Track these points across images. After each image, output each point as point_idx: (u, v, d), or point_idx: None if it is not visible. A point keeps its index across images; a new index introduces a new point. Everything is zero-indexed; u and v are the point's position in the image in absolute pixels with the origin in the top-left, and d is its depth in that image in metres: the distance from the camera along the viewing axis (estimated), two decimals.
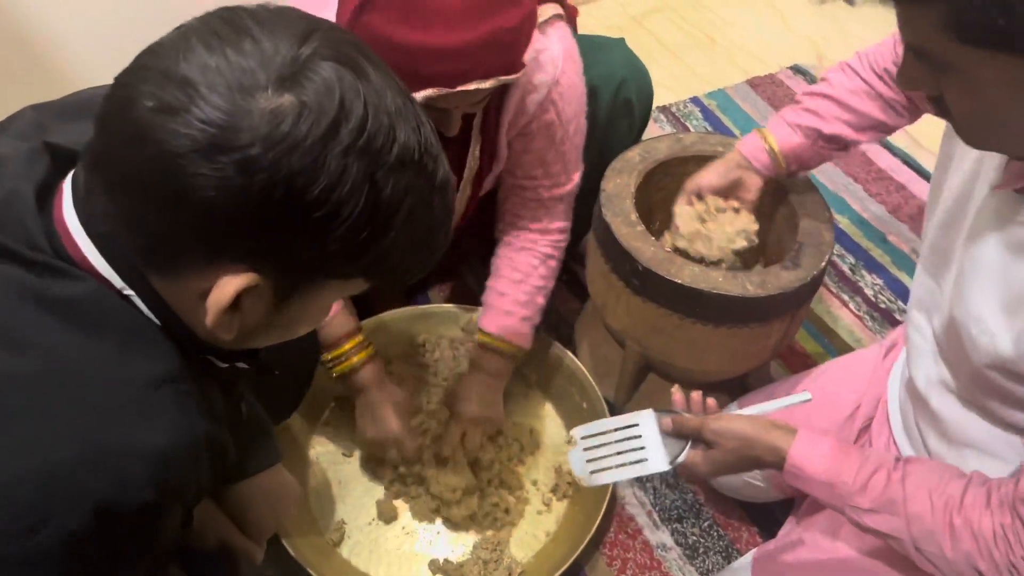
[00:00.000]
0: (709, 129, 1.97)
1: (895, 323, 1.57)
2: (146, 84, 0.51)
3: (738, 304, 1.07)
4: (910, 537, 0.80)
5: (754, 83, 2.11)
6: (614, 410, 1.37)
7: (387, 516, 1.24)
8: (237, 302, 0.56)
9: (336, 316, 1.17)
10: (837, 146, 1.13)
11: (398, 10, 0.85)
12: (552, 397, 1.39)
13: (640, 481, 1.31)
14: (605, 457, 0.99)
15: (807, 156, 1.14)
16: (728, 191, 1.17)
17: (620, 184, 1.20)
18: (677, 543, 1.25)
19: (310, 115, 0.50)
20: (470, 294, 1.54)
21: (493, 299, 1.23)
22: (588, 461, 1.00)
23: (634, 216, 1.15)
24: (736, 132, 1.96)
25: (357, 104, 0.52)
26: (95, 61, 1.62)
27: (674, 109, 2.01)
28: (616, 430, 1.00)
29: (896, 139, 1.94)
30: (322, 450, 1.32)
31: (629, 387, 1.33)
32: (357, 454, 1.31)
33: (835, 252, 1.68)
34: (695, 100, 2.04)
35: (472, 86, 0.89)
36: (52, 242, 0.55)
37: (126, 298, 0.57)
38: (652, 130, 1.95)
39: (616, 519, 1.27)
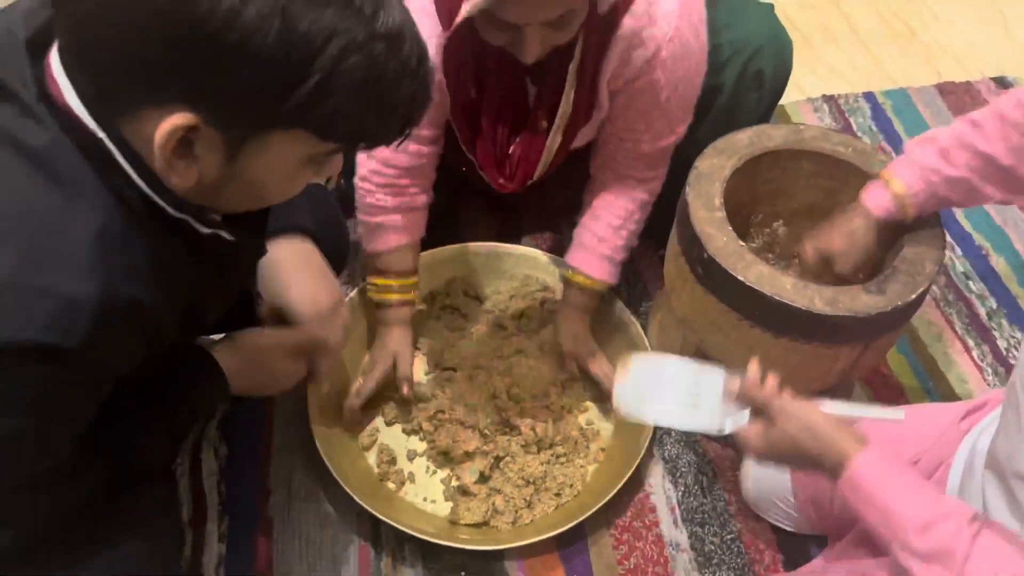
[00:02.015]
0: (874, 130, 1.79)
1: None
2: None
3: (801, 317, 0.98)
4: None
5: (945, 88, 1.89)
6: None
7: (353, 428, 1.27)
8: (189, 148, 0.59)
9: (399, 250, 1.21)
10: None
11: None
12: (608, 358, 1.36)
13: (672, 474, 1.26)
14: (658, 395, 0.90)
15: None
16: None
17: (715, 165, 1.12)
18: (692, 547, 1.19)
19: None
20: (560, 245, 1.52)
21: (591, 242, 1.23)
22: (637, 394, 0.90)
23: (718, 201, 1.07)
24: (905, 139, 1.77)
25: None
26: None
27: (841, 101, 1.85)
28: (680, 373, 0.91)
29: None
30: None
31: None
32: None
33: (975, 292, 1.51)
34: (868, 96, 1.86)
35: None
36: (39, 82, 0.60)
37: (98, 141, 0.60)
38: (810, 119, 1.81)
39: (635, 505, 1.22)
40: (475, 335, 1.37)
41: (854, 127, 1.80)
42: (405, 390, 1.25)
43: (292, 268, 0.95)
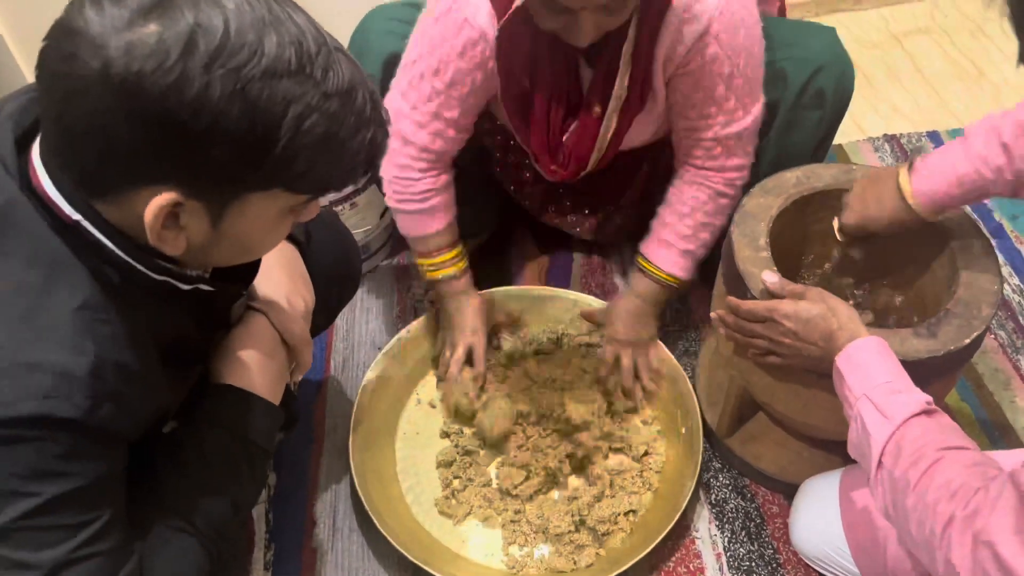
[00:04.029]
0: None
1: None
2: (52, 39, 0.59)
3: None
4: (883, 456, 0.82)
5: None
6: (713, 440, 1.29)
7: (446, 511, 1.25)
8: (175, 220, 0.63)
9: (450, 225, 1.24)
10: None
11: None
12: (657, 412, 1.34)
13: (719, 519, 1.23)
14: None
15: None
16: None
17: (762, 204, 1.11)
18: None
19: (167, 39, 0.56)
20: (613, 288, 1.52)
21: (656, 227, 1.24)
22: None
23: (763, 240, 1.06)
24: None
25: (215, 21, 0.57)
26: None
27: (904, 140, 1.81)
28: None
29: None
30: (424, 398, 1.38)
31: (731, 419, 1.24)
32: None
33: None
34: (932, 135, 1.82)
35: None
36: (23, 174, 0.66)
37: (75, 223, 0.65)
38: (870, 158, 1.78)
39: (681, 550, 1.20)
40: (519, 377, 1.36)
41: None
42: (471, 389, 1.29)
43: (274, 265, 0.95)
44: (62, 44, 0.58)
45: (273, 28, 0.59)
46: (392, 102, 1.16)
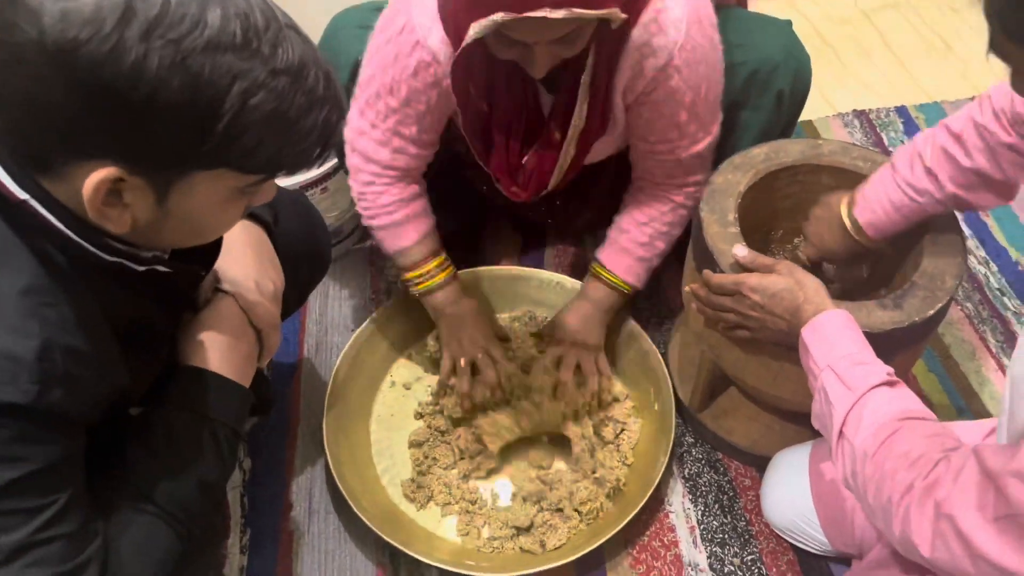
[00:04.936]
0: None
1: None
2: None
3: None
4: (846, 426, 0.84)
5: None
6: (686, 415, 1.30)
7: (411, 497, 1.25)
8: (119, 196, 0.62)
9: (429, 234, 1.22)
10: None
11: None
12: (629, 388, 1.35)
13: (692, 493, 1.24)
14: None
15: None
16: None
17: (730, 180, 1.11)
18: (712, 568, 1.17)
19: (104, 7, 0.55)
20: (584, 263, 1.52)
21: (613, 233, 1.25)
22: None
23: (732, 216, 1.07)
24: None
25: None
26: None
27: (872, 116, 1.82)
28: None
29: None
30: (398, 380, 1.38)
31: (703, 394, 1.25)
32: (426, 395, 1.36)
33: (1011, 308, 1.47)
34: (901, 110, 1.83)
35: (540, 13, 0.84)
36: None
37: (21, 203, 0.63)
38: (840, 134, 1.79)
39: (655, 524, 1.21)
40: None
41: (886, 142, 1.77)
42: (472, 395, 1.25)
43: (241, 247, 0.94)
44: (4, 13, 0.57)
45: (218, 0, 0.58)
46: (352, 120, 1.15)
